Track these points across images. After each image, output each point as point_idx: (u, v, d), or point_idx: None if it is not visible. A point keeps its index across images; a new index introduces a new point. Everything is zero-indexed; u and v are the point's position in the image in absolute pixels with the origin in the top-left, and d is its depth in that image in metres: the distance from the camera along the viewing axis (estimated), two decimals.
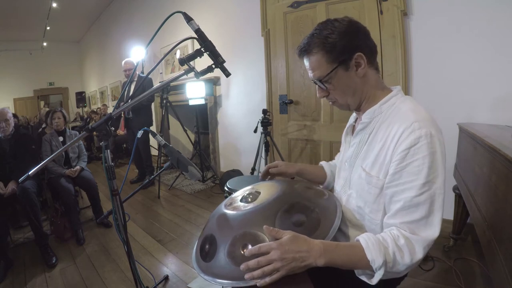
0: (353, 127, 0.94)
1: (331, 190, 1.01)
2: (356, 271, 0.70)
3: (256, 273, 0.61)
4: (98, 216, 2.67)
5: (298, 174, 1.06)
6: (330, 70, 0.77)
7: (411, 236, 0.66)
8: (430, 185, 0.66)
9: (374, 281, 0.66)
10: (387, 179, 0.71)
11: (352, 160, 0.86)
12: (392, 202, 0.71)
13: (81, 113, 8.41)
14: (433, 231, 0.66)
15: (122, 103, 1.20)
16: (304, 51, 0.81)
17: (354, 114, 0.95)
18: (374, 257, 0.64)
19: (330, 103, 0.87)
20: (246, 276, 0.62)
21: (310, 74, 0.83)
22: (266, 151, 2.59)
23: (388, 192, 0.72)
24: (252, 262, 0.62)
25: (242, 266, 0.63)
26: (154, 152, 4.59)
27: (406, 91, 2.06)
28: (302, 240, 0.65)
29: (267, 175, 1.06)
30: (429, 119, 0.70)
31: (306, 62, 0.83)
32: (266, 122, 2.54)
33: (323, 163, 1.16)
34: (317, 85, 0.84)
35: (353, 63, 0.77)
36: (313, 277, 0.70)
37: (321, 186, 1.08)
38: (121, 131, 5.42)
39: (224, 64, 0.90)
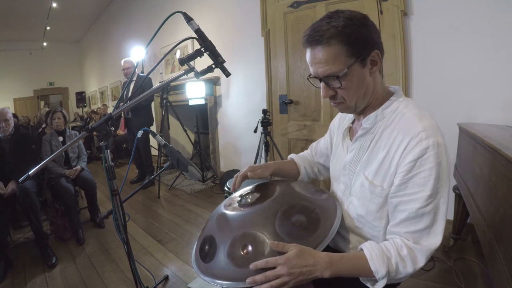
0: (350, 129, 0.90)
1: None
2: (360, 278, 0.71)
3: (264, 286, 0.62)
4: (93, 215, 2.71)
5: (273, 174, 1.01)
6: (349, 65, 0.67)
7: (414, 246, 0.66)
8: (436, 195, 0.65)
9: (377, 287, 0.68)
10: (393, 189, 0.70)
11: (352, 167, 0.83)
12: (396, 211, 0.70)
13: (80, 113, 8.40)
14: (436, 239, 0.66)
15: (122, 103, 1.21)
16: (317, 40, 0.67)
17: (350, 115, 0.89)
18: (378, 268, 0.65)
19: (334, 104, 0.77)
20: None
21: (320, 68, 0.70)
22: (266, 151, 2.58)
23: (393, 201, 0.71)
24: (259, 277, 0.63)
25: (249, 280, 0.63)
26: (154, 152, 4.59)
27: (406, 91, 2.06)
28: (307, 254, 0.65)
29: (239, 184, 0.94)
30: (434, 126, 0.68)
31: (316, 54, 0.69)
32: (266, 122, 2.54)
33: (293, 156, 1.12)
34: (322, 83, 0.73)
35: (369, 60, 0.70)
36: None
37: None
38: (121, 131, 5.42)
39: (224, 64, 0.90)
